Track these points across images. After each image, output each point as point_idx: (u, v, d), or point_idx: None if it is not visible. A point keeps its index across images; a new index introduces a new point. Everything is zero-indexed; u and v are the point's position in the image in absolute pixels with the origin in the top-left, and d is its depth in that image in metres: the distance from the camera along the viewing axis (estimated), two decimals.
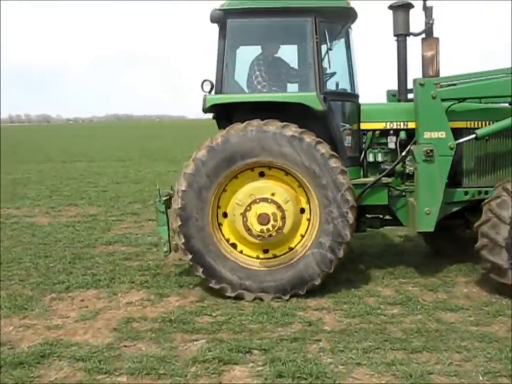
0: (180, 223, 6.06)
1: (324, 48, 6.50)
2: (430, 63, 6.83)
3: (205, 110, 6.42)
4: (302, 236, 6.25)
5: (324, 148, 5.99)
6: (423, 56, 6.88)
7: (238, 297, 6.12)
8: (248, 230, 5.97)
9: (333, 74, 6.71)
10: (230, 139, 6.00)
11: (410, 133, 6.63)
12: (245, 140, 5.98)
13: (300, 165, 5.99)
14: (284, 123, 6.00)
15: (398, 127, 6.75)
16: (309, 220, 6.24)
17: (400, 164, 6.69)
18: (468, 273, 7.07)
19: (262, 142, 5.95)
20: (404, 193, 6.71)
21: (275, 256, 6.28)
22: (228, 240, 6.29)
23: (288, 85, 7.10)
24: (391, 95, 7.57)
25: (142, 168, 21.76)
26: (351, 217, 6.03)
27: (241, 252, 6.28)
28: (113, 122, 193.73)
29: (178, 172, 19.72)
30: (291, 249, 6.28)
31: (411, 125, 6.64)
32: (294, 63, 7.16)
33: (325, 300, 6.14)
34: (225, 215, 6.27)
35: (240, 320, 5.54)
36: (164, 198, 6.92)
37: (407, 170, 6.68)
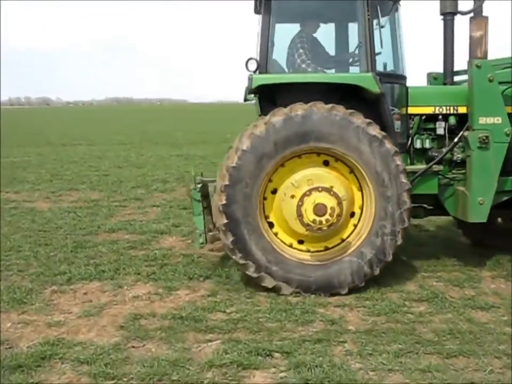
0: (227, 182, 5.57)
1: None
2: (478, 44, 6.37)
3: (250, 91, 5.98)
4: (343, 240, 5.90)
5: (399, 160, 5.66)
6: (471, 37, 6.41)
7: (258, 280, 5.73)
8: (299, 215, 5.56)
9: (378, 53, 6.25)
10: (312, 115, 5.53)
11: (460, 118, 6.30)
12: (326, 122, 5.53)
13: (372, 168, 5.61)
14: (368, 120, 5.61)
15: (448, 111, 6.35)
16: (355, 226, 5.90)
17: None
18: (493, 267, 6.70)
19: (343, 131, 5.54)
20: (452, 182, 6.38)
21: (308, 251, 5.90)
22: (266, 217, 5.87)
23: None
24: (433, 78, 7.15)
25: (143, 152, 21.34)
26: (400, 238, 5.72)
27: (275, 234, 5.88)
28: (113, 105, 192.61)
29: (183, 156, 19.38)
30: (327, 248, 5.91)
31: (461, 110, 6.29)
32: (330, 43, 6.81)
33: (346, 295, 5.73)
34: (274, 191, 5.84)
35: (257, 317, 5.12)
36: (199, 186, 6.50)
37: (455, 158, 6.32)
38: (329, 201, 5.50)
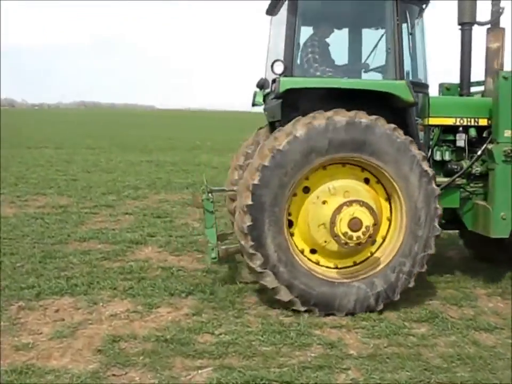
0: (267, 163, 5.14)
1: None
2: (495, 55, 6.30)
3: (277, 95, 5.58)
4: (355, 263, 5.62)
5: (440, 204, 5.48)
6: (487, 48, 6.33)
7: (259, 277, 5.32)
8: (332, 222, 5.16)
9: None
10: (375, 129, 5.23)
11: (481, 131, 6.13)
12: (388, 140, 5.26)
13: (413, 202, 5.37)
14: (409, 138, 5.39)
15: (468, 123, 6.14)
16: (371, 253, 5.64)
17: (467, 164, 6.08)
18: (487, 285, 6.46)
19: (399, 156, 5.30)
20: (470, 196, 6.16)
21: (318, 263, 5.56)
22: (289, 214, 5.44)
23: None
24: (445, 89, 6.91)
25: (113, 157, 20.66)
26: (413, 281, 5.50)
27: (291, 235, 5.49)
28: (80, 109, 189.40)
29: (153, 162, 18.80)
30: (337, 267, 5.60)
31: (482, 122, 6.12)
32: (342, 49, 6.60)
33: (340, 315, 5.33)
34: (306, 190, 5.46)
35: (249, 340, 4.66)
36: (211, 196, 6.09)
37: (473, 171, 6.09)
38: (367, 219, 5.15)
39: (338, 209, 5.15)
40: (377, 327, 5.05)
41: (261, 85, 6.91)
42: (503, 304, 5.90)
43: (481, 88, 6.61)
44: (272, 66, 5.46)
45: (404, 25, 5.84)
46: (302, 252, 5.50)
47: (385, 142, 5.26)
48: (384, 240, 5.60)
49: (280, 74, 5.49)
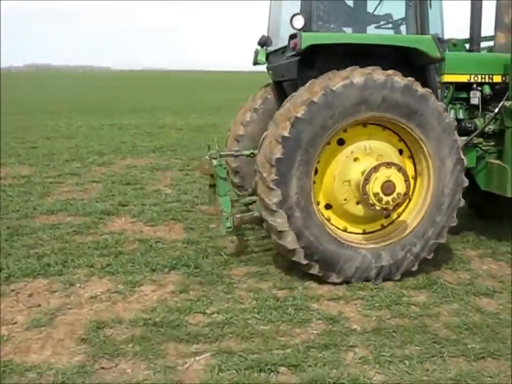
0: (300, 115, 4.74)
1: None
2: (505, 9, 6.04)
3: (297, 53, 5.12)
4: (364, 232, 5.37)
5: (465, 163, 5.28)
6: (498, 1, 6.09)
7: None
8: (366, 179, 4.88)
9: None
10: (413, 91, 4.92)
11: (494, 88, 5.94)
12: (424, 103, 4.96)
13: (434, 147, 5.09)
14: (455, 122, 5.25)
15: (483, 80, 5.90)
16: (383, 226, 5.43)
17: (481, 122, 5.86)
18: (477, 246, 6.33)
19: (435, 122, 5.03)
20: (484, 155, 5.97)
21: (329, 220, 5.27)
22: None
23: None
24: (452, 44, 6.61)
25: (73, 121, 19.85)
26: (417, 265, 5.27)
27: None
28: (32, 72, 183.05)
29: (115, 126, 18.17)
30: (345, 230, 5.32)
31: (496, 79, 5.90)
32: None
33: (335, 285, 5.06)
34: (341, 142, 5.13)
35: (245, 319, 4.32)
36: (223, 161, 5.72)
37: (486, 129, 5.86)
38: (400, 186, 4.92)
39: (376, 168, 4.87)
40: (376, 297, 4.79)
41: (263, 42, 6.59)
42: (496, 265, 5.75)
43: (490, 43, 6.42)
44: (291, 20, 5.06)
45: None
46: (317, 203, 5.17)
47: (435, 117, 5.00)
48: (399, 216, 5.36)
49: (300, 29, 5.08)
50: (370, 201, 4.88)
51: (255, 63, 6.68)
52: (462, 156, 5.18)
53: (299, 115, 4.72)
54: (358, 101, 4.79)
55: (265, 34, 6.64)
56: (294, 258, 4.97)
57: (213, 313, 4.44)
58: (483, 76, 5.89)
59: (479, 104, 5.91)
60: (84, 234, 6.54)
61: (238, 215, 5.59)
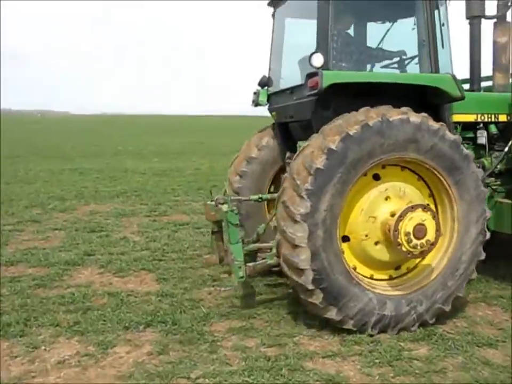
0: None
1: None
2: (502, 50, 6.12)
3: (320, 91, 4.87)
4: (371, 277, 5.06)
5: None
6: (495, 42, 6.15)
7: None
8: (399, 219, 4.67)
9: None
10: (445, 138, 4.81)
11: (500, 127, 6.01)
12: (456, 149, 4.86)
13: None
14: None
15: (489, 120, 5.94)
16: (390, 277, 5.19)
17: (488, 161, 5.82)
18: (467, 289, 5.89)
19: (463, 165, 4.92)
20: (492, 194, 5.88)
21: (354, 268, 4.96)
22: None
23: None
24: None
25: (32, 166, 19.19)
26: (416, 328, 4.92)
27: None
28: None
29: (76, 170, 17.56)
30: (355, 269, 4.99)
31: (502, 118, 5.97)
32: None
33: (327, 339, 4.68)
34: (376, 177, 4.96)
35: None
36: (234, 206, 5.37)
37: (493, 168, 5.85)
38: (431, 232, 4.71)
39: (414, 208, 4.70)
40: (374, 353, 4.39)
41: (264, 83, 6.46)
42: (491, 311, 5.47)
43: (488, 83, 6.40)
44: (310, 58, 4.88)
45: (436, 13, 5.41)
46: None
47: (473, 180, 4.96)
48: (409, 271, 5.15)
49: (319, 68, 4.89)
50: (399, 240, 4.64)
51: (257, 104, 6.50)
52: (486, 229, 5.05)
53: (351, 132, 4.53)
54: (410, 139, 4.67)
55: (267, 74, 6.53)
56: (300, 281, 4.57)
57: (198, 377, 3.95)
58: (489, 116, 5.91)
59: (485, 143, 5.89)
60: (48, 288, 6.01)
61: (250, 264, 5.25)
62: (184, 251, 7.67)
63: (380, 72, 5.61)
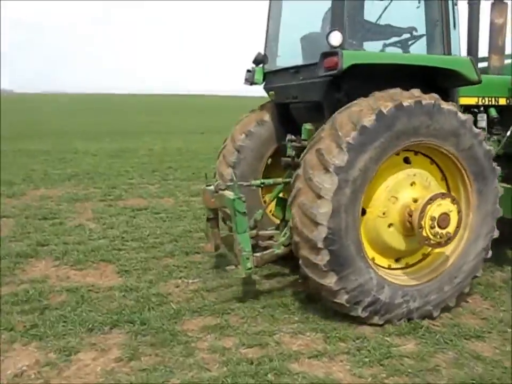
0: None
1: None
2: (499, 31, 6.05)
3: (339, 72, 4.58)
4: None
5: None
6: (491, 24, 6.07)
7: None
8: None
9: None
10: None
11: (499, 111, 5.98)
12: (476, 140, 4.80)
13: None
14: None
15: (490, 103, 5.92)
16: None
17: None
18: None
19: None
20: None
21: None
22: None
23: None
24: None
25: None
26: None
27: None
28: None
29: (22, 151, 16.56)
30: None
31: (502, 102, 5.97)
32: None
33: (309, 336, 4.38)
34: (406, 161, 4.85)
35: None
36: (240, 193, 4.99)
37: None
38: (453, 224, 4.65)
39: (444, 196, 4.62)
40: (363, 351, 4.11)
41: (259, 61, 6.13)
42: (471, 299, 5.30)
43: (483, 64, 6.27)
44: (327, 36, 4.60)
45: None
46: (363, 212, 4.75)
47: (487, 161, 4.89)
48: (411, 265, 5.02)
49: (337, 47, 4.60)
50: (423, 222, 4.53)
51: (253, 83, 6.15)
52: (490, 248, 5.03)
53: (405, 104, 4.43)
54: (453, 131, 4.66)
55: (263, 52, 6.20)
56: (311, 235, 4.35)
57: None
58: (490, 99, 5.89)
59: (486, 126, 5.83)
60: None
61: (257, 254, 4.98)
62: (145, 239, 7.22)
63: (399, 54, 5.40)
